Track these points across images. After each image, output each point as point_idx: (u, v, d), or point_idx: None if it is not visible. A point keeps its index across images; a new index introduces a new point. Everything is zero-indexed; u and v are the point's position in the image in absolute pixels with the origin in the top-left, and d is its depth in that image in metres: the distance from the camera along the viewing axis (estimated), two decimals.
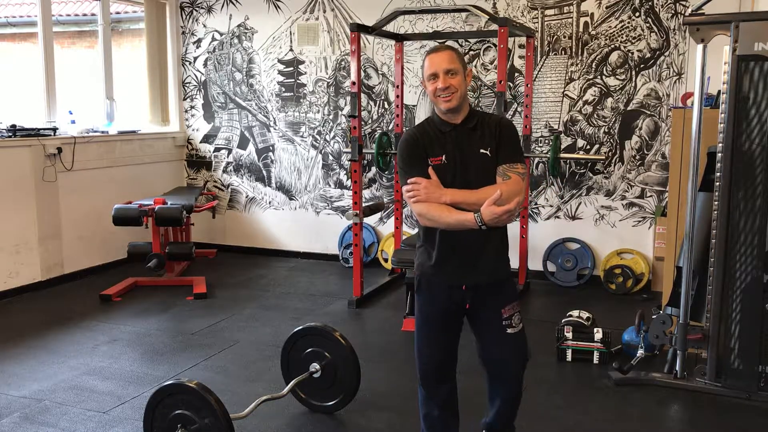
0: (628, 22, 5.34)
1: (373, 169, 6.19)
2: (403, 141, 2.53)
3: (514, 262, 4.15)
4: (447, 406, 2.67)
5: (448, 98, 2.41)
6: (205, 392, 2.65)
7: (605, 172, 5.55)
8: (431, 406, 2.66)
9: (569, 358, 3.99)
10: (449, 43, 5.82)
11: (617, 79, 5.43)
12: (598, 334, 3.97)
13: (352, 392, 3.26)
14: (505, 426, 2.76)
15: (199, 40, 6.76)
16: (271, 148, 6.65)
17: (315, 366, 3.25)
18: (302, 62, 6.40)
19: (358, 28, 4.93)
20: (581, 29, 5.48)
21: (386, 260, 6.10)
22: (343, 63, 6.23)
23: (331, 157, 6.42)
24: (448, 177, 2.44)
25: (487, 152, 2.44)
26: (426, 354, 2.62)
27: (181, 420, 2.68)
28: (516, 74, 5.63)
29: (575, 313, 4.15)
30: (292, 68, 6.45)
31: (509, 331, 2.52)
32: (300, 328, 3.34)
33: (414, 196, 2.44)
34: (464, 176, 2.44)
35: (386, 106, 6.14)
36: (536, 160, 5.66)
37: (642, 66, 5.35)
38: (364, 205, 5.33)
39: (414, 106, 6.03)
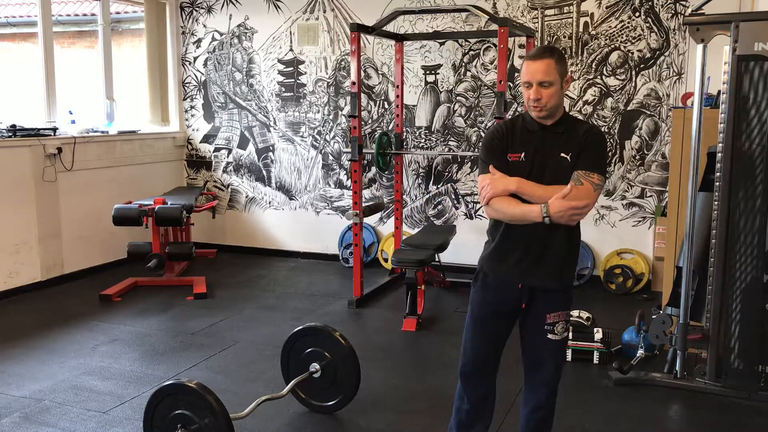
0: (628, 22, 5.35)
1: (373, 169, 6.19)
2: (489, 132, 2.52)
3: None
4: (480, 404, 2.66)
5: (538, 108, 2.37)
6: (205, 392, 2.65)
7: None
8: (464, 401, 2.66)
9: (569, 358, 3.98)
10: (453, 45, 5.82)
11: (617, 79, 5.43)
12: (598, 334, 3.96)
13: (352, 392, 3.26)
14: None
15: (199, 40, 6.76)
16: (271, 148, 6.65)
17: (315, 366, 3.25)
18: (302, 62, 6.40)
19: (358, 28, 4.93)
20: (581, 29, 5.48)
21: (386, 260, 6.10)
22: (343, 63, 6.23)
23: (331, 157, 6.42)
24: (523, 175, 2.40)
25: (567, 157, 2.38)
26: (471, 348, 2.60)
27: (181, 420, 2.68)
28: (516, 74, 5.63)
29: (575, 313, 4.15)
30: (292, 68, 6.45)
31: (550, 336, 2.48)
32: (300, 328, 3.34)
33: (483, 187, 2.42)
34: (539, 177, 2.39)
35: (386, 106, 6.14)
36: None
37: (642, 66, 5.35)
38: (364, 205, 5.33)
39: (414, 106, 6.03)
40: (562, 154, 2.38)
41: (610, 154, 5.48)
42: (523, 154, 2.41)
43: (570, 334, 2.54)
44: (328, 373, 3.25)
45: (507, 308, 2.52)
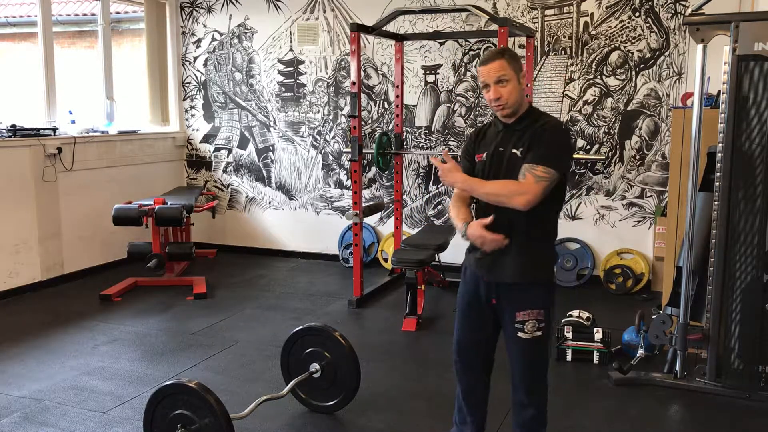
0: (628, 22, 5.34)
1: (373, 169, 6.19)
2: (466, 140, 2.67)
3: None
4: (470, 394, 2.74)
5: (500, 107, 2.46)
6: (205, 392, 2.65)
7: (605, 172, 5.55)
8: (457, 387, 2.77)
9: (569, 358, 3.99)
10: (453, 45, 5.82)
11: (617, 79, 5.43)
12: (598, 334, 3.97)
13: (352, 392, 3.26)
14: None
15: (199, 40, 6.76)
16: (271, 148, 6.65)
17: (315, 366, 3.25)
18: (302, 62, 6.40)
19: (358, 28, 4.93)
20: (581, 29, 5.48)
21: (386, 260, 6.10)
22: (343, 63, 6.23)
23: (331, 157, 6.42)
24: (482, 174, 2.53)
25: (518, 152, 2.45)
26: (455, 337, 2.71)
27: (181, 420, 2.68)
28: None
29: (575, 313, 4.16)
30: (292, 68, 6.45)
31: (519, 335, 2.50)
32: (300, 328, 3.34)
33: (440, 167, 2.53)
34: (495, 174, 2.49)
35: (386, 106, 6.14)
36: None
37: (642, 66, 5.35)
38: (364, 205, 5.33)
39: (414, 106, 6.03)
40: (514, 150, 2.46)
41: (604, 153, 5.48)
42: (484, 154, 2.54)
43: (541, 333, 2.51)
44: (328, 373, 3.25)
45: (481, 302, 2.60)
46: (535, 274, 2.52)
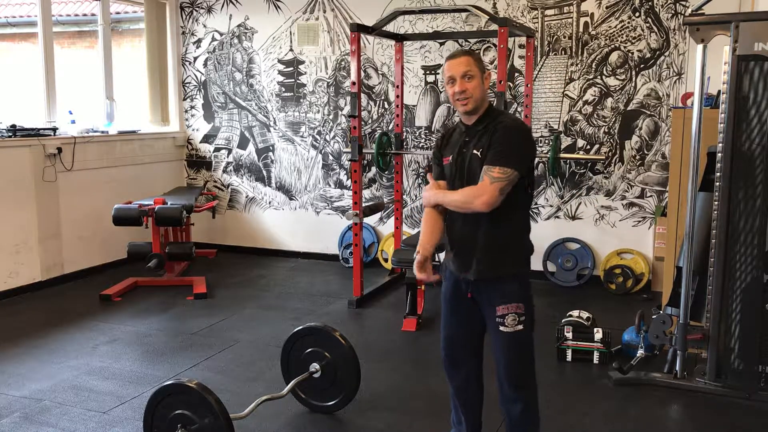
0: (628, 22, 5.34)
1: (373, 169, 6.19)
2: (436, 143, 2.75)
3: None
4: (462, 392, 2.78)
5: (464, 102, 2.51)
6: (205, 392, 2.65)
7: (605, 172, 5.55)
8: (451, 388, 2.82)
9: (569, 358, 3.99)
10: (453, 45, 5.82)
11: (617, 79, 5.43)
12: (598, 334, 3.96)
13: (352, 392, 3.26)
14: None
15: (199, 40, 6.76)
16: (271, 148, 6.65)
17: (315, 366, 3.25)
18: (302, 62, 6.40)
19: (358, 28, 4.93)
20: (581, 29, 5.48)
21: (386, 260, 6.10)
22: (343, 63, 6.23)
23: (331, 157, 6.42)
24: (450, 177, 2.62)
25: (478, 153, 2.51)
26: (441, 333, 2.78)
27: (181, 420, 2.68)
28: (516, 74, 5.63)
29: (575, 313, 4.15)
30: (292, 68, 6.45)
31: (501, 329, 2.54)
32: (300, 328, 3.34)
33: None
34: (461, 177, 2.57)
35: (386, 106, 6.14)
36: (536, 160, 5.65)
37: (642, 66, 5.35)
38: (364, 205, 5.33)
39: (414, 106, 6.03)
40: (475, 151, 2.52)
41: (604, 153, 5.48)
42: (450, 157, 2.61)
43: (522, 326, 2.54)
44: (328, 373, 3.25)
45: (464, 296, 2.65)
46: (503, 269, 2.56)
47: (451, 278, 2.70)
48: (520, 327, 2.53)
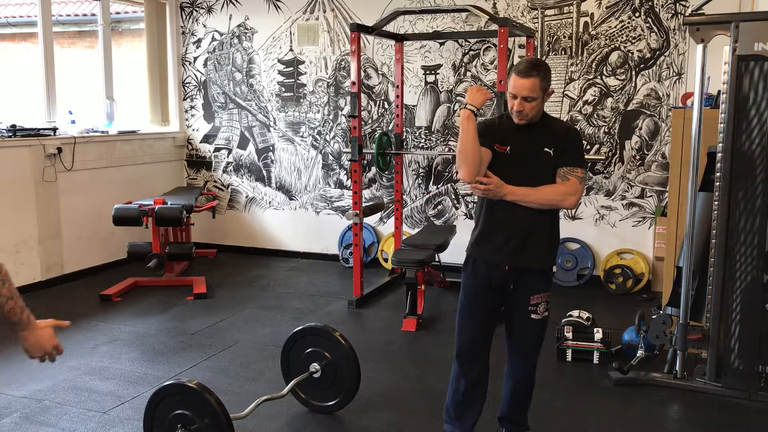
0: (628, 22, 5.34)
1: (373, 169, 6.19)
2: (481, 122, 2.73)
3: None
4: (475, 386, 2.83)
5: (520, 118, 2.61)
6: (205, 392, 2.65)
7: (605, 172, 5.55)
8: (460, 382, 2.83)
9: (569, 358, 3.99)
10: (453, 45, 5.82)
11: (617, 79, 5.43)
12: (598, 334, 3.96)
13: (352, 392, 3.26)
14: (513, 413, 2.88)
15: (199, 40, 6.76)
16: (271, 148, 6.65)
17: (315, 366, 3.25)
18: (302, 62, 6.40)
19: (358, 28, 4.93)
20: (581, 29, 5.48)
21: (386, 260, 6.10)
22: (343, 63, 6.23)
23: (331, 157, 6.42)
24: (508, 168, 2.63)
25: (550, 151, 2.62)
26: (466, 330, 2.78)
27: (181, 420, 2.68)
28: None
29: (575, 313, 4.15)
30: (292, 68, 6.45)
31: (533, 317, 2.70)
32: (300, 327, 3.34)
33: (483, 189, 2.60)
34: (522, 170, 2.63)
35: (386, 106, 6.14)
36: None
37: (642, 66, 5.35)
38: (364, 205, 5.33)
39: (414, 106, 6.03)
40: (546, 149, 2.62)
41: (604, 153, 5.50)
42: (508, 148, 2.64)
43: (547, 313, 2.76)
44: (327, 373, 3.25)
45: (496, 291, 2.71)
46: (551, 261, 2.76)
47: (482, 271, 2.71)
48: (546, 314, 2.74)
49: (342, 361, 3.22)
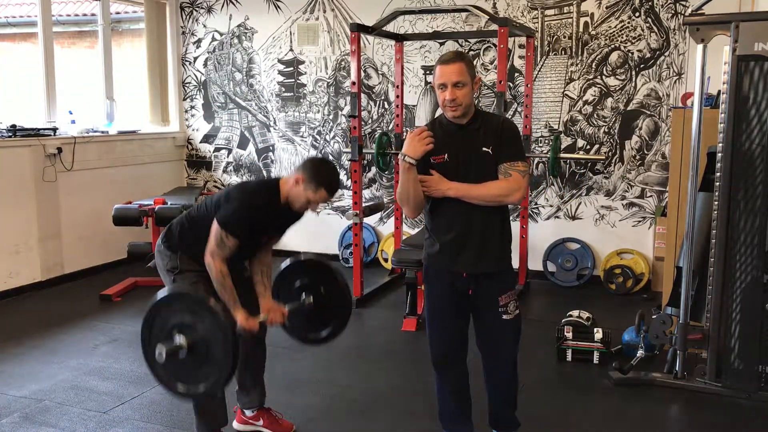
0: (628, 22, 5.34)
1: (373, 169, 6.19)
2: None
3: (515, 262, 4.16)
4: (459, 391, 2.82)
5: (454, 108, 2.56)
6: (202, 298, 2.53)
7: (605, 172, 5.55)
8: (445, 391, 2.83)
9: (569, 358, 3.98)
10: (453, 45, 5.82)
11: (617, 79, 5.43)
12: (598, 334, 3.96)
13: (345, 321, 3.11)
14: (501, 415, 2.85)
15: (199, 40, 6.76)
16: (271, 148, 6.65)
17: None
18: (302, 62, 6.40)
19: (358, 28, 4.93)
20: (581, 29, 5.48)
21: (386, 260, 6.09)
22: (343, 63, 6.23)
23: (331, 157, 6.42)
24: (450, 175, 2.59)
25: (489, 150, 2.57)
26: (436, 339, 2.77)
27: (179, 327, 2.52)
28: (516, 74, 5.63)
29: (575, 313, 4.15)
30: (292, 68, 6.45)
31: (505, 317, 2.66)
32: (294, 261, 3.41)
33: (424, 188, 2.58)
34: (465, 174, 2.58)
35: (386, 106, 6.14)
36: (536, 160, 5.66)
37: (642, 66, 5.35)
38: (364, 205, 5.33)
39: (414, 106, 6.03)
40: (484, 149, 2.58)
41: (604, 153, 5.49)
42: (446, 155, 2.60)
43: (518, 310, 2.72)
44: (318, 303, 3.11)
45: (454, 295, 2.68)
46: (507, 259, 2.72)
47: (442, 278, 2.69)
48: (518, 312, 2.70)
49: (336, 291, 3.11)
